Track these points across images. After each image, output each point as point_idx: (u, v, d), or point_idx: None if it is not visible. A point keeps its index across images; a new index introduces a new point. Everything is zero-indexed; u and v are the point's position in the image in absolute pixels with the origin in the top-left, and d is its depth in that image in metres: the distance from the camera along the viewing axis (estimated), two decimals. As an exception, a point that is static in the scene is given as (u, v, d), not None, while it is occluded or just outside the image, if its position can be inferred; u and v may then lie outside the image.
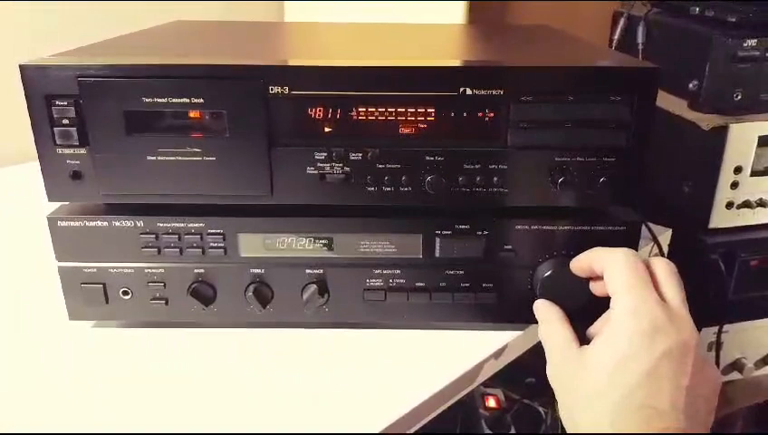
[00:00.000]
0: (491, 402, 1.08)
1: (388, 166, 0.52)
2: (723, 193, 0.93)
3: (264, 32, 0.79)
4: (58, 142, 0.51)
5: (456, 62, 0.54)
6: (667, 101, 0.95)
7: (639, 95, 0.50)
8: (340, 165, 0.52)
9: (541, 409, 1.17)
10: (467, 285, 0.56)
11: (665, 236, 0.82)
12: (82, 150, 0.51)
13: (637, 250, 0.55)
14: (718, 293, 0.97)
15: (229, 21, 0.87)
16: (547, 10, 1.20)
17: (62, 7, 1.01)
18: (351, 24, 0.86)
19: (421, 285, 0.56)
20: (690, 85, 0.91)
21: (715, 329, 1.01)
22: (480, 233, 0.55)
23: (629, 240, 0.55)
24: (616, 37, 1.05)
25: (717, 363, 1.03)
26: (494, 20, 1.18)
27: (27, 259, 0.70)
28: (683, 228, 0.85)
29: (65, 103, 0.50)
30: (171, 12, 0.98)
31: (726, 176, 0.92)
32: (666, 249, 0.82)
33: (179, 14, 0.94)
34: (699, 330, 1.02)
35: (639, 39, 1.00)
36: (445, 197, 0.53)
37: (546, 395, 1.15)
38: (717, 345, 1.02)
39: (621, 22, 1.05)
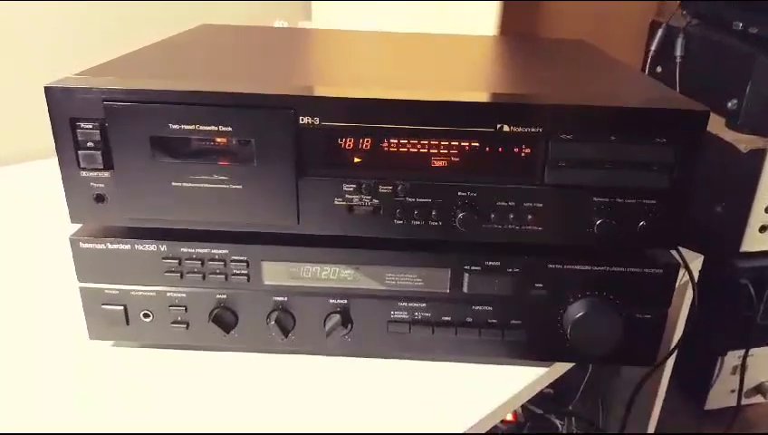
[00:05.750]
0: (508, 416, 1.07)
1: (419, 200, 0.51)
2: (757, 217, 0.90)
3: (292, 44, 0.77)
4: (82, 165, 0.50)
5: (493, 97, 0.52)
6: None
7: (686, 138, 0.48)
8: (369, 197, 0.51)
9: (557, 421, 1.16)
10: (495, 321, 0.55)
11: (696, 263, 0.80)
12: (107, 174, 0.50)
13: (673, 292, 0.54)
14: (747, 317, 0.95)
15: (256, 27, 0.85)
16: (581, 15, 1.17)
17: (87, 7, 1.00)
18: (380, 34, 0.84)
19: (447, 319, 0.55)
20: (729, 104, 0.88)
21: (741, 353, 0.99)
22: (510, 270, 0.53)
23: (666, 283, 0.53)
24: (653, 48, 1.02)
25: (741, 387, 1.01)
26: (527, 23, 1.14)
27: (52, 272, 0.70)
28: (713, 251, 0.83)
29: (90, 126, 0.49)
30: (197, 11, 0.97)
31: (762, 199, 0.89)
32: (696, 275, 0.80)
33: (205, 12, 0.92)
34: (725, 353, 1.00)
35: (678, 52, 0.96)
36: (476, 233, 0.51)
37: (563, 406, 1.14)
38: (742, 369, 1.00)
39: (659, 33, 1.01)
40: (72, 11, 0.97)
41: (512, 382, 0.56)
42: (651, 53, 1.03)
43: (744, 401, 1.04)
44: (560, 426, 1.16)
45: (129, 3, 1.02)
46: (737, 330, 0.96)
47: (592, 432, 1.12)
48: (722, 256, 0.93)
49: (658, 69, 1.02)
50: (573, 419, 1.13)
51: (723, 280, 0.93)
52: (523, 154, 0.49)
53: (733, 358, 1.00)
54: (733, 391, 1.03)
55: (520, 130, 0.48)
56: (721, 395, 1.05)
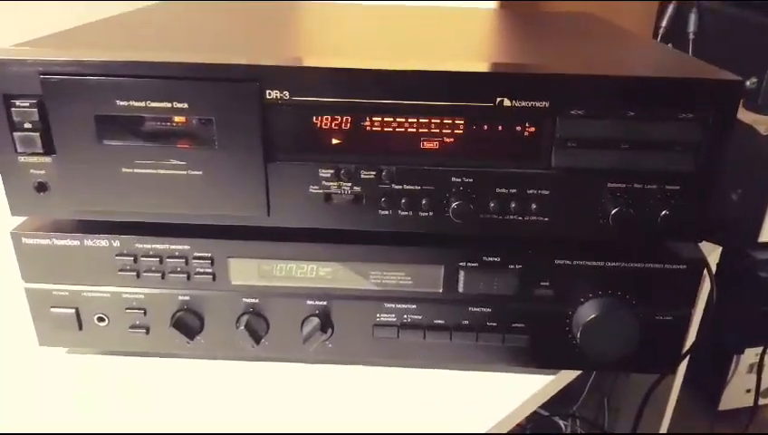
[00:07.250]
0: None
1: (406, 187, 0.45)
2: (778, 205, 0.84)
3: (267, 16, 0.70)
4: (19, 150, 0.44)
5: (492, 66, 0.45)
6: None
7: (716, 113, 0.41)
8: (349, 184, 0.44)
9: (561, 422, 1.11)
10: (494, 324, 0.49)
11: (714, 255, 0.73)
12: (48, 159, 0.44)
13: (698, 291, 0.47)
14: (765, 312, 0.88)
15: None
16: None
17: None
18: (368, 6, 0.77)
19: (440, 322, 0.49)
20: (748, 83, 0.82)
21: (759, 350, 0.93)
22: (512, 267, 0.47)
23: (690, 281, 0.47)
24: (663, 25, 0.95)
25: (758, 386, 0.95)
26: (528, 3, 1.07)
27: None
28: (729, 241, 0.76)
29: (27, 105, 0.43)
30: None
31: (783, 186, 0.82)
32: (714, 268, 0.74)
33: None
34: (742, 351, 0.94)
35: (691, 28, 0.90)
36: (472, 225, 0.45)
37: (567, 407, 1.09)
38: (759, 367, 0.94)
39: (670, 8, 0.94)
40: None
41: (513, 395, 0.50)
42: (662, 31, 0.96)
43: (761, 402, 0.98)
44: (564, 427, 1.11)
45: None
46: (755, 326, 0.90)
47: (597, 433, 1.07)
48: (739, 247, 0.86)
49: (669, 47, 0.96)
50: (578, 420, 1.08)
51: (740, 273, 0.87)
52: (526, 133, 0.43)
53: (750, 356, 0.95)
54: (749, 390, 0.98)
55: (523, 104, 0.42)
56: (736, 395, 0.99)
